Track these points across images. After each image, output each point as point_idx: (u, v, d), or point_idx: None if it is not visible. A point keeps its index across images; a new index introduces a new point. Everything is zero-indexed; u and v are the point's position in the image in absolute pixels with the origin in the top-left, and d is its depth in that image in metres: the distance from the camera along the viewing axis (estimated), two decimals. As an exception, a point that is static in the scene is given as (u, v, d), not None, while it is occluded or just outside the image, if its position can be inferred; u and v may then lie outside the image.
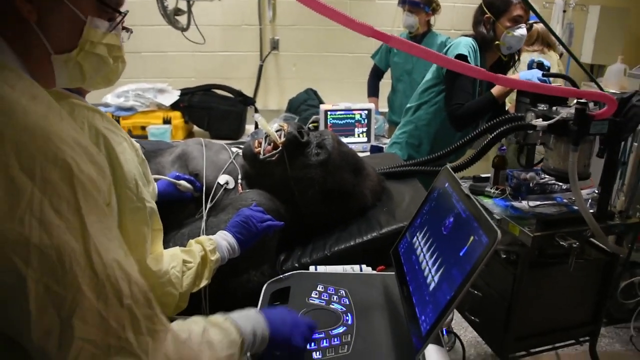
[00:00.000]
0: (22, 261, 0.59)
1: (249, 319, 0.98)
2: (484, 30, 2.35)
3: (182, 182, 1.61)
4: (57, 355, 0.62)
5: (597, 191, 2.01)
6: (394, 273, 1.36)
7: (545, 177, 2.08)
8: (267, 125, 1.73)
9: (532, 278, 1.90)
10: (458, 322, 2.48)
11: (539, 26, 3.49)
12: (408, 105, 2.63)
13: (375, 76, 3.78)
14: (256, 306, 1.27)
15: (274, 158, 1.69)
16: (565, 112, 1.80)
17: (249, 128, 3.41)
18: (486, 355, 2.65)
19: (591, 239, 2.02)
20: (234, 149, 1.86)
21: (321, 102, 3.44)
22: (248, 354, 0.98)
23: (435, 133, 2.52)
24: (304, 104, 3.40)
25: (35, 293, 0.59)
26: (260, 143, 1.73)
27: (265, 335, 0.99)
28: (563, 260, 1.89)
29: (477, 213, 1.02)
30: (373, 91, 3.77)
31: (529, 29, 2.39)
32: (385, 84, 3.81)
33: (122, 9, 0.88)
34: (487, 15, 2.33)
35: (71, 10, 0.77)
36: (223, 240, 1.35)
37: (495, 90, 2.24)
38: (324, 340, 1.11)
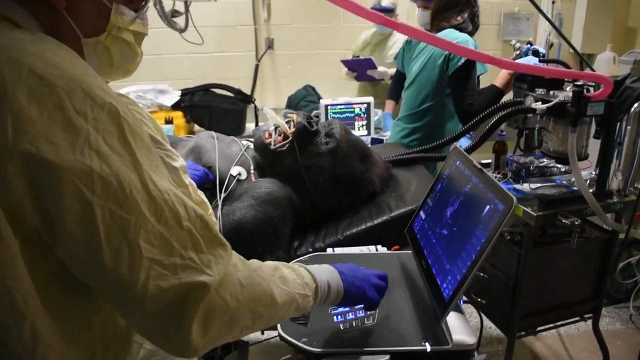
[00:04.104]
0: (87, 189, 0.65)
1: (324, 271, 1.02)
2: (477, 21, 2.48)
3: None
4: (129, 276, 0.68)
5: (594, 172, 2.07)
6: (408, 252, 1.43)
7: (543, 161, 2.15)
8: (277, 116, 1.78)
9: (536, 257, 1.97)
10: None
11: None
12: (407, 112, 2.65)
13: (396, 79, 3.32)
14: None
15: (284, 148, 1.74)
16: (563, 96, 1.86)
17: (249, 126, 3.46)
18: (491, 339, 2.71)
19: (590, 219, 2.10)
20: (244, 142, 1.91)
21: (320, 98, 3.50)
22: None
23: (447, 128, 2.58)
24: (304, 100, 3.45)
25: (102, 218, 0.66)
26: (270, 134, 1.79)
27: (341, 289, 1.02)
28: (564, 239, 1.96)
29: (491, 184, 1.08)
30: (390, 93, 3.41)
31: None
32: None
33: None
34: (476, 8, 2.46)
35: None
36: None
37: (498, 82, 2.30)
38: (349, 313, 1.17)
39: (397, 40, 3.84)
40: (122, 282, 0.68)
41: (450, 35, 2.45)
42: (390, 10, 3.66)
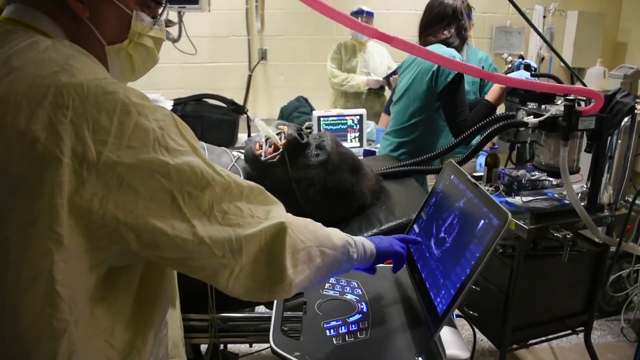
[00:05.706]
0: (166, 179, 0.73)
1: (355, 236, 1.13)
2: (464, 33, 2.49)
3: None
4: (219, 236, 0.79)
5: (585, 185, 2.08)
6: (401, 265, 1.41)
7: (535, 174, 2.16)
8: (268, 128, 1.77)
9: (528, 270, 1.97)
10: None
11: None
12: (396, 127, 2.61)
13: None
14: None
15: (275, 159, 1.73)
16: (555, 110, 1.87)
17: (242, 137, 3.44)
18: (483, 352, 2.70)
19: (582, 232, 2.11)
20: (235, 153, 1.90)
21: (312, 109, 3.50)
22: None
23: (439, 142, 2.57)
24: (296, 112, 3.45)
25: (183, 200, 0.75)
26: (261, 145, 1.77)
27: (373, 250, 1.14)
28: (556, 252, 1.97)
29: (485, 199, 1.07)
30: (387, 108, 3.40)
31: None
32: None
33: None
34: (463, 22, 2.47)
35: (117, 5, 0.85)
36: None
37: (490, 96, 2.30)
38: (342, 327, 1.15)
39: (379, 49, 3.91)
40: (216, 241, 0.78)
41: (437, 50, 2.44)
42: (370, 15, 3.84)
